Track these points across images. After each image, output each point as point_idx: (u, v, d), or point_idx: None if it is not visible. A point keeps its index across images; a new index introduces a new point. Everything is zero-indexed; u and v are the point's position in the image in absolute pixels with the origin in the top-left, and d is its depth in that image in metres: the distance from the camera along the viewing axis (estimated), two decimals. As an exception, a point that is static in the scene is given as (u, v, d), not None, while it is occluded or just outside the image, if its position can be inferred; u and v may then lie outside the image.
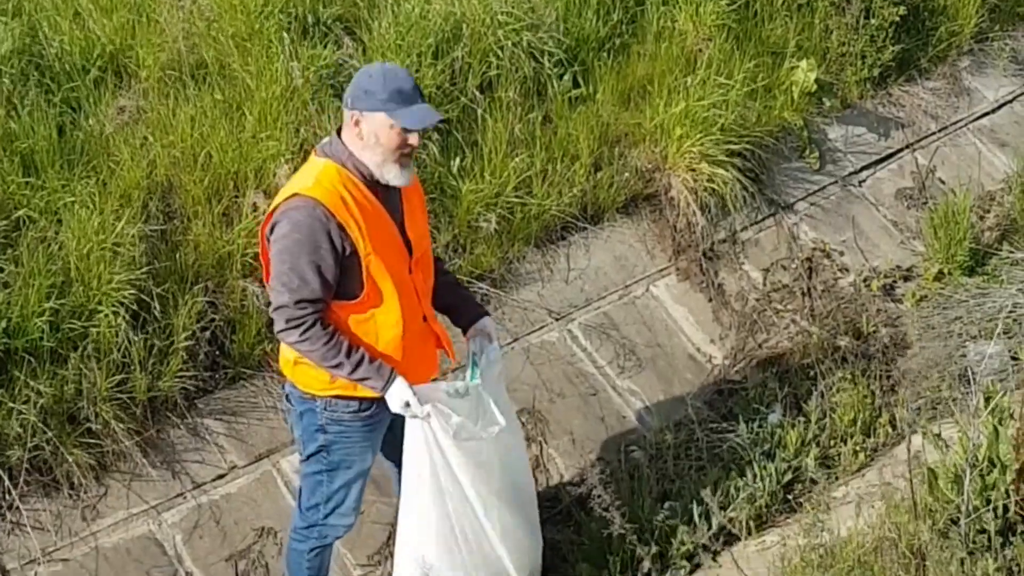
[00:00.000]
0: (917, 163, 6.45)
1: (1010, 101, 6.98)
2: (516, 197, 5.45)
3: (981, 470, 3.39)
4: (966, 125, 6.76)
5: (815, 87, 6.25)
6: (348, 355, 3.58)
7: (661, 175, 5.86)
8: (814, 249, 5.95)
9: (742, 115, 6.07)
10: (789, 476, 4.64)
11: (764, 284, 5.76)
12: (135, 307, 4.50)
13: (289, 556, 4.07)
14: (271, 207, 3.66)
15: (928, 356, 5.13)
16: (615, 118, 5.95)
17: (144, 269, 4.58)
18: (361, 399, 3.76)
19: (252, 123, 5.32)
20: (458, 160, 5.51)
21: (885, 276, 5.89)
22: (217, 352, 4.68)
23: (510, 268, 5.38)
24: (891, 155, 6.48)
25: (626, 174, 5.78)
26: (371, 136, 3.58)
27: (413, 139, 3.61)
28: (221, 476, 4.46)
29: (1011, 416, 3.38)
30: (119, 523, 4.27)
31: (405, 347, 3.74)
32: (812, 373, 5.28)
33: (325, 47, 5.72)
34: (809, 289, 5.78)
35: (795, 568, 3.09)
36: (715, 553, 3.65)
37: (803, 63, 6.22)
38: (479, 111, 5.67)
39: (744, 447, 4.78)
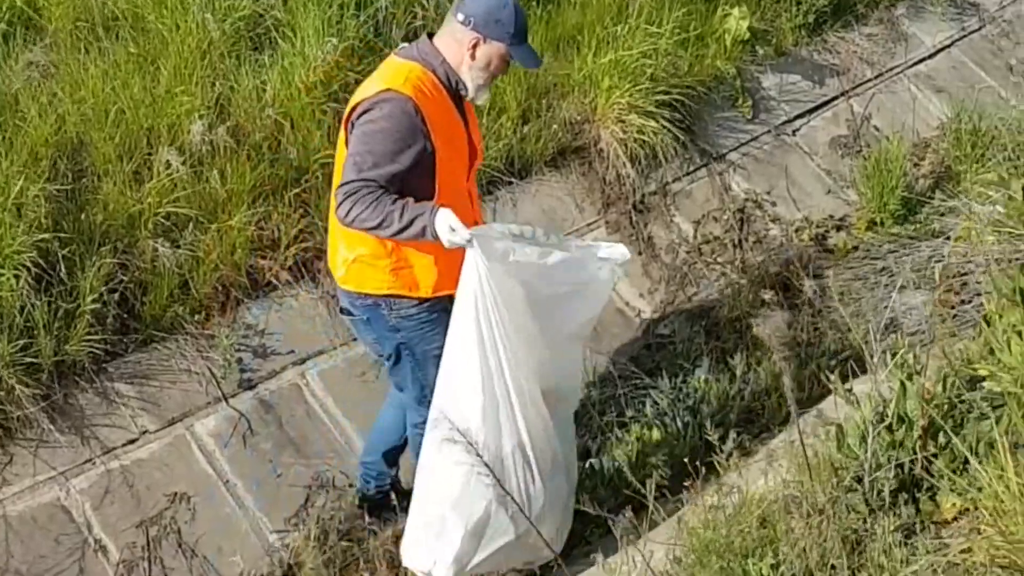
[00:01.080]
0: (852, 111, 6.38)
1: (948, 46, 6.91)
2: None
3: (890, 426, 3.35)
4: (903, 71, 6.69)
5: (748, 35, 6.16)
6: (393, 203, 3.60)
7: (590, 127, 5.76)
8: (746, 200, 5.88)
9: (674, 64, 5.97)
10: (711, 432, 4.58)
11: (695, 236, 5.69)
12: (39, 270, 4.37)
13: (411, 441, 4.19)
14: (356, 99, 3.78)
15: (855, 308, 5.09)
16: (544, 69, 5.83)
17: (49, 230, 4.44)
18: (419, 298, 3.85)
19: (167, 78, 5.17)
20: (380, 114, 5.37)
21: (817, 226, 5.84)
22: (126, 315, 4.56)
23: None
24: (826, 103, 6.41)
25: (554, 126, 5.67)
26: (484, 60, 3.79)
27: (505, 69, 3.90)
28: (132, 441, 4.36)
29: (919, 372, 3.32)
30: (25, 491, 4.16)
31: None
32: (740, 326, 5.23)
33: (243, -2, 5.58)
34: (740, 240, 5.72)
35: (692, 530, 3.04)
36: (632, 512, 3.56)
37: (735, 11, 6.12)
38: (403, 63, 5.53)
39: (668, 403, 4.72)
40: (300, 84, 5.28)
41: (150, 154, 4.93)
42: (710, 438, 3.16)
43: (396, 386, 4.22)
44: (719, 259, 5.62)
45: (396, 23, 5.66)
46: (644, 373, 5.08)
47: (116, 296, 4.52)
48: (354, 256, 3.84)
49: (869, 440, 3.08)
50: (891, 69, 6.65)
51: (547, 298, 3.77)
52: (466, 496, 3.77)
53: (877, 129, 6.34)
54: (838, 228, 5.87)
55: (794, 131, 6.25)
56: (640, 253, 5.56)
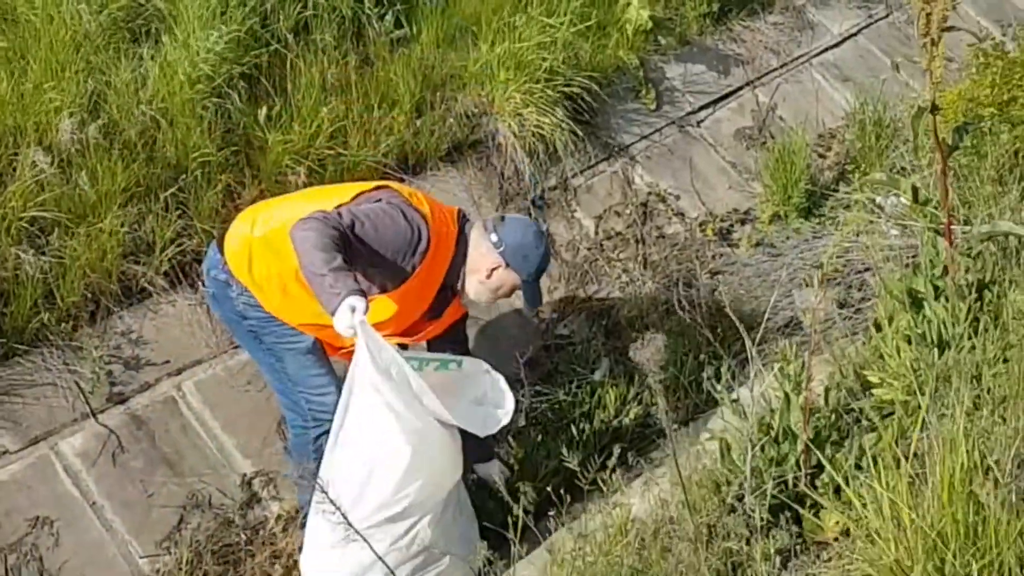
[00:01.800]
0: (758, 101, 6.25)
1: (854, 34, 6.80)
2: (328, 148, 5.11)
3: (776, 438, 3.21)
4: (808, 60, 6.57)
5: (650, 24, 5.99)
6: (339, 260, 3.48)
7: (488, 120, 5.57)
8: (649, 194, 5.73)
9: (574, 55, 5.79)
10: (607, 439, 4.43)
11: (596, 232, 5.52)
12: None
13: (295, 450, 4.08)
14: (406, 190, 3.89)
15: (754, 306, 4.95)
16: (440, 61, 5.62)
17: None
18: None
19: (36, 73, 4.88)
20: (265, 109, 5.14)
21: (721, 220, 5.71)
22: (-15, 327, 4.29)
23: (322, 224, 5.05)
24: (731, 93, 6.27)
25: (450, 120, 5.46)
26: (497, 283, 3.90)
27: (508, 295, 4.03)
28: (-9, 462, 4.10)
29: (802, 382, 3.17)
30: None
31: None
32: (640, 325, 5.08)
33: (121, -14, 5.30)
34: (643, 236, 5.57)
35: (561, 562, 2.87)
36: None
37: (635, 0, 5.95)
38: (290, 56, 5.30)
39: (563, 408, 4.56)
40: (183, 78, 5.02)
41: (15, 154, 4.65)
42: (570, 465, 2.96)
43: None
44: (621, 255, 5.47)
45: (285, 13, 5.42)
46: (542, 375, 4.92)
47: (-27, 307, 4.25)
48: (260, 236, 3.76)
49: (747, 456, 2.92)
50: (797, 58, 6.53)
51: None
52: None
53: (783, 119, 6.22)
54: (743, 222, 5.74)
55: (699, 122, 6.10)
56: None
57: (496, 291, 3.93)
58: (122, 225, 4.59)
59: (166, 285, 4.62)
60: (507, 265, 3.85)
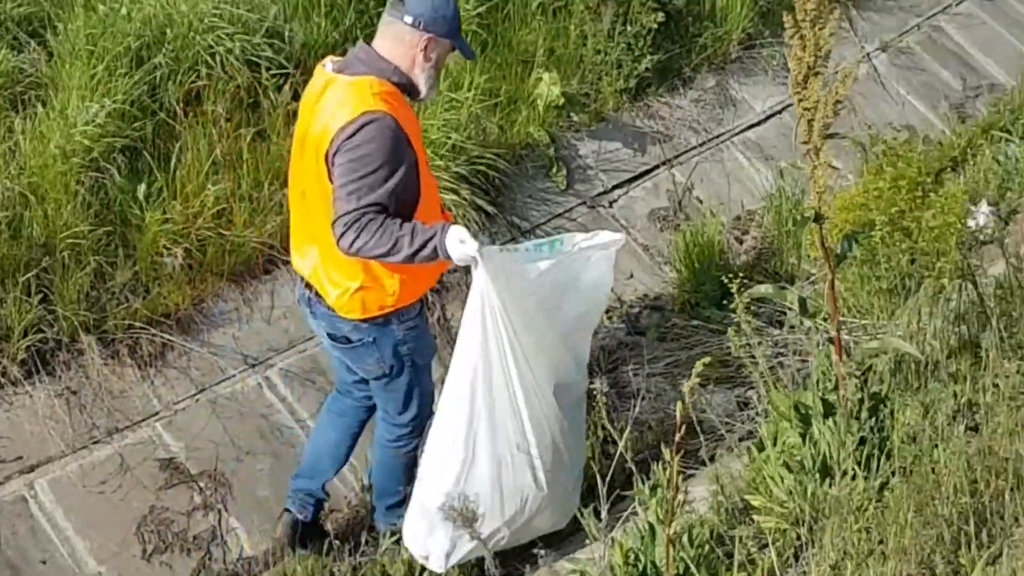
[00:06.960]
0: (674, 180, 6.04)
1: (779, 112, 6.61)
2: (210, 228, 4.84)
3: (643, 573, 2.95)
4: (730, 138, 6.37)
5: (562, 100, 5.78)
6: (400, 227, 3.57)
7: (386, 198, 5.30)
8: (554, 278, 5.47)
9: (482, 131, 5.57)
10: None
11: (497, 319, 5.25)
12: None
13: (386, 464, 4.14)
14: (326, 129, 3.62)
15: (655, 404, 4.70)
16: (339, 134, 5.37)
17: None
18: (422, 299, 3.92)
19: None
20: (144, 185, 4.87)
21: (629, 307, 5.46)
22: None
23: (201, 308, 4.77)
24: (646, 172, 6.04)
25: (345, 198, 5.20)
26: (435, 58, 3.76)
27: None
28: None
29: (673, 511, 2.91)
30: None
31: None
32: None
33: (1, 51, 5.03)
34: (547, 323, 5.31)
35: None
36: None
37: (546, 75, 5.73)
38: (178, 127, 5.04)
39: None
40: (56, 150, 4.75)
41: None
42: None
43: (380, 407, 4.12)
44: (522, 343, 5.20)
45: (175, 82, 5.17)
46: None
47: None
48: (357, 285, 3.77)
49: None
50: (718, 136, 6.33)
51: (551, 297, 3.81)
52: (459, 491, 3.69)
53: (700, 201, 6.01)
54: (653, 308, 5.50)
55: (611, 203, 5.87)
56: (435, 337, 5.11)
57: (436, 66, 3.80)
58: (-25, 311, 4.29)
59: (22, 375, 4.31)
60: (435, 36, 3.71)
